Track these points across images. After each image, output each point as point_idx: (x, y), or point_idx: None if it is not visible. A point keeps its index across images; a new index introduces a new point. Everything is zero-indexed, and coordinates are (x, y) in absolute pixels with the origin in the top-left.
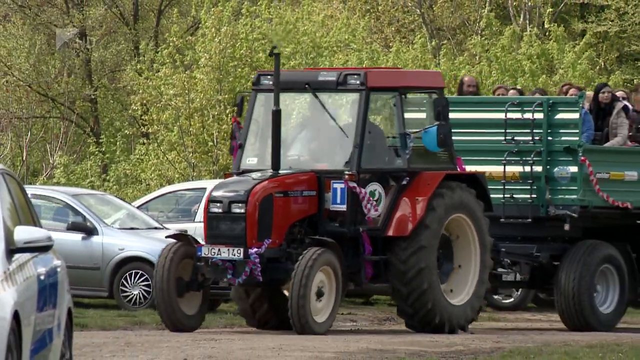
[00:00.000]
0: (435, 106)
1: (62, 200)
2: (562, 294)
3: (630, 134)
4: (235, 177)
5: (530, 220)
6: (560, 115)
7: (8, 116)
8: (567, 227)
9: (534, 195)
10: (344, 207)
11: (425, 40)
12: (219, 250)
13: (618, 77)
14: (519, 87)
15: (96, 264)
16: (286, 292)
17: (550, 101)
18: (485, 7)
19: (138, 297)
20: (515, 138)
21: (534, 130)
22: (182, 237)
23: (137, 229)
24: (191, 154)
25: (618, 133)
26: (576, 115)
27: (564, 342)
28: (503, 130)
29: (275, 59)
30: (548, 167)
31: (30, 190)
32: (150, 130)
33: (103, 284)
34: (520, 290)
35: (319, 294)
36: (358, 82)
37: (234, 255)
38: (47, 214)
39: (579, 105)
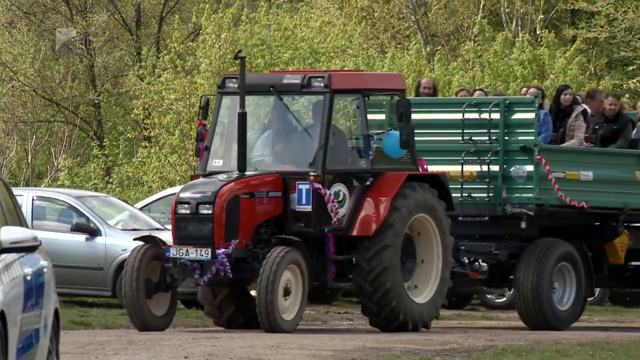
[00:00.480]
0: (398, 108)
1: (66, 202)
2: (520, 291)
3: (587, 135)
4: (202, 179)
5: (487, 218)
6: (516, 116)
7: (14, 120)
8: (523, 225)
9: (491, 194)
10: (309, 208)
11: (420, 46)
12: (187, 250)
13: (608, 82)
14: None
15: (99, 264)
16: (253, 292)
17: (507, 101)
18: (479, 13)
19: None
20: (473, 138)
21: (491, 130)
22: (150, 239)
23: (139, 230)
24: (192, 157)
25: (575, 135)
26: (532, 115)
27: (555, 341)
28: (461, 131)
29: (240, 62)
30: (505, 166)
31: (35, 192)
32: (152, 134)
33: (106, 284)
34: (512, 289)
35: (286, 292)
36: (322, 84)
37: (202, 255)
38: (52, 216)
39: (535, 106)
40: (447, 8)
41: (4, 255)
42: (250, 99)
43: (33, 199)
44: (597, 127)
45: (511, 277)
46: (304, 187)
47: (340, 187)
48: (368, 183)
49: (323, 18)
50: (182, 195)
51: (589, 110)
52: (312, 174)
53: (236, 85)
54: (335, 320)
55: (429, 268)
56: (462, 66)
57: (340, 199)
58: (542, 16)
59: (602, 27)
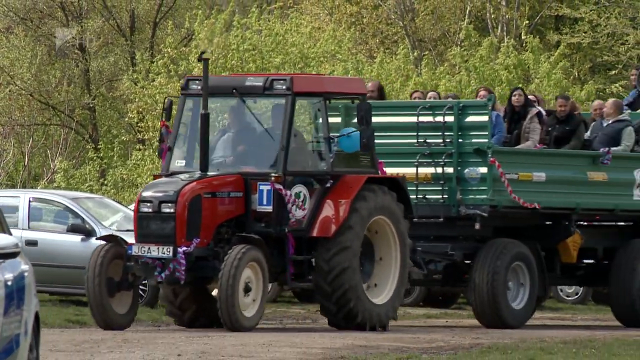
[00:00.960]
0: (359, 111)
1: (62, 204)
2: (476, 291)
3: (542, 137)
4: (164, 179)
5: (442, 220)
6: (470, 118)
7: (11, 123)
8: (477, 226)
9: (446, 196)
10: (270, 208)
11: (408, 51)
12: (149, 248)
13: (591, 87)
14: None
15: None
16: (214, 293)
17: (461, 104)
18: (465, 19)
19: None
20: (427, 141)
21: (445, 133)
22: (112, 238)
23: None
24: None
25: (530, 137)
26: (485, 118)
27: (539, 338)
28: (415, 133)
29: (203, 64)
30: (459, 168)
31: (32, 194)
32: (146, 137)
33: None
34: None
35: (247, 290)
36: (284, 87)
37: (164, 253)
38: (48, 217)
39: (488, 108)
40: (434, 14)
41: None
42: (213, 100)
43: (30, 201)
44: (550, 128)
45: (466, 276)
46: (265, 187)
47: (300, 189)
48: (328, 185)
49: (313, 24)
50: (145, 194)
51: (543, 112)
52: (273, 175)
53: (199, 87)
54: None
55: (387, 270)
56: (448, 70)
57: (300, 200)
58: (526, 22)
59: (585, 32)
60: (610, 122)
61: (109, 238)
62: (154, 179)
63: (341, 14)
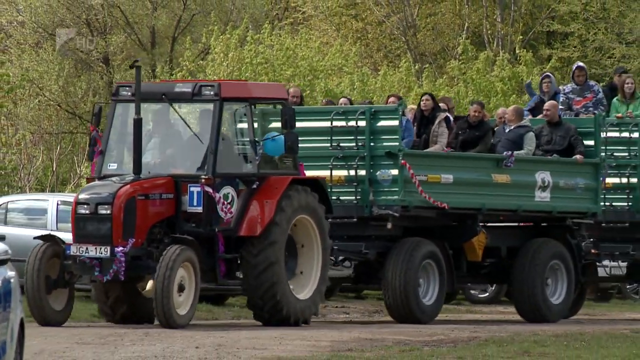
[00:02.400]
0: (283, 115)
1: None
2: (389, 287)
3: (449, 140)
4: (99, 182)
5: (355, 220)
6: (381, 123)
7: (40, 132)
8: (389, 226)
9: (359, 197)
10: (200, 209)
11: (410, 64)
12: (86, 248)
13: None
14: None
15: None
16: (147, 292)
17: (372, 110)
18: (463, 35)
19: None
20: (341, 144)
21: (358, 137)
22: (49, 238)
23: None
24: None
25: (438, 141)
26: (396, 123)
27: (533, 332)
28: (329, 138)
29: (136, 71)
30: (371, 170)
31: (59, 197)
32: None
33: None
34: (494, 285)
35: (181, 289)
36: (212, 92)
37: (101, 253)
38: None
39: (399, 113)
40: (434, 30)
41: None
42: (145, 106)
43: (58, 204)
44: (460, 132)
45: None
46: (195, 189)
47: (229, 190)
48: (254, 186)
49: (321, 39)
50: (82, 196)
51: (451, 117)
52: (203, 177)
53: (129, 94)
54: (333, 314)
55: (309, 269)
56: (447, 82)
57: (229, 200)
58: (520, 37)
59: (574, 47)
60: (512, 127)
61: (47, 238)
62: (87, 182)
63: (347, 30)
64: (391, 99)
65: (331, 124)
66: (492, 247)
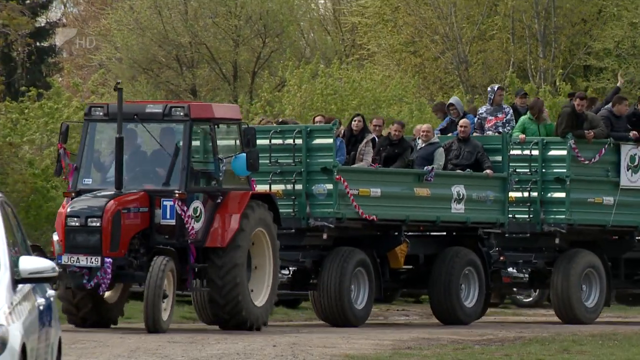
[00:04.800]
0: (245, 135)
1: None
2: (324, 293)
3: (373, 156)
4: (85, 196)
5: (293, 231)
6: (317, 141)
7: None
8: (325, 236)
9: (297, 210)
10: (173, 222)
11: (462, 95)
12: (77, 258)
13: None
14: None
15: None
16: (105, 296)
17: (308, 129)
18: (509, 69)
19: None
20: (279, 161)
21: (295, 154)
22: (35, 248)
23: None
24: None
25: (364, 159)
26: (330, 140)
27: (572, 333)
28: (268, 154)
29: (118, 93)
30: (308, 185)
31: None
32: None
33: None
34: (537, 290)
35: (164, 297)
36: (182, 113)
37: (92, 263)
38: None
39: (333, 132)
40: (484, 64)
41: (21, 286)
42: (115, 125)
43: None
44: (381, 148)
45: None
46: (168, 203)
47: (197, 204)
48: (219, 201)
49: (384, 72)
50: (71, 209)
51: (377, 138)
52: (177, 192)
53: (101, 114)
54: (395, 316)
55: (262, 277)
56: None
57: (197, 214)
58: (560, 71)
59: (608, 79)
60: (423, 145)
61: (32, 248)
62: (65, 196)
63: (407, 65)
64: (317, 119)
65: (270, 141)
66: (411, 254)
